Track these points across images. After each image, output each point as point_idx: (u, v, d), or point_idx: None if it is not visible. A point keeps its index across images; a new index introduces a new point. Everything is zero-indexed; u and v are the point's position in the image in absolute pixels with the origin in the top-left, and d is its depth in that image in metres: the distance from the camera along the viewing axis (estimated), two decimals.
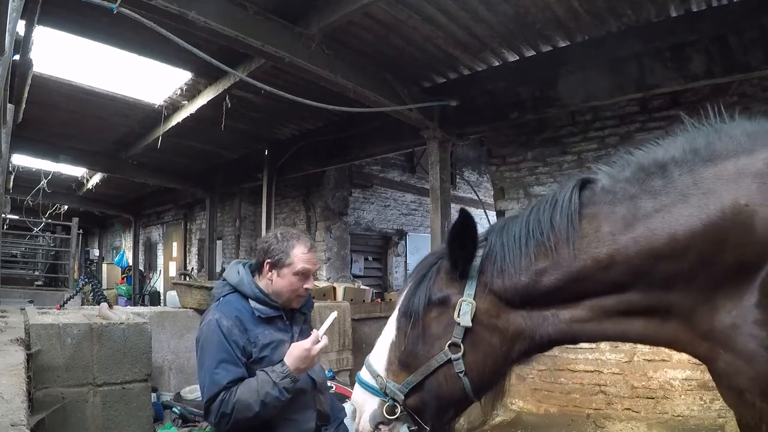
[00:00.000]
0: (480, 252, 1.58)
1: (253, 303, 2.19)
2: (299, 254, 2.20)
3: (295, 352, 2.07)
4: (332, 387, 2.57)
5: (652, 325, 1.47)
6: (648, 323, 1.47)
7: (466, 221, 1.53)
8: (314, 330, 2.18)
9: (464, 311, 1.52)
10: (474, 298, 1.53)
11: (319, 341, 2.10)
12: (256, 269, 2.29)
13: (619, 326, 1.49)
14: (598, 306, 1.49)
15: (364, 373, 1.69)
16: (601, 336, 1.54)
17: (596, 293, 1.48)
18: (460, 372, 1.52)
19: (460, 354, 1.52)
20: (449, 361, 1.53)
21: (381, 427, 1.63)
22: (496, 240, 1.58)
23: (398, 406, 1.59)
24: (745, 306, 1.36)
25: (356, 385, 1.72)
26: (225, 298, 2.22)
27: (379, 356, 1.67)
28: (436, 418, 1.62)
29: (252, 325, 2.14)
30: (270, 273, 2.20)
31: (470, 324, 1.51)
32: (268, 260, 2.19)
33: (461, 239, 1.54)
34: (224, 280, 2.30)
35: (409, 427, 1.61)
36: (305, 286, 2.24)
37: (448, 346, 1.53)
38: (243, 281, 2.22)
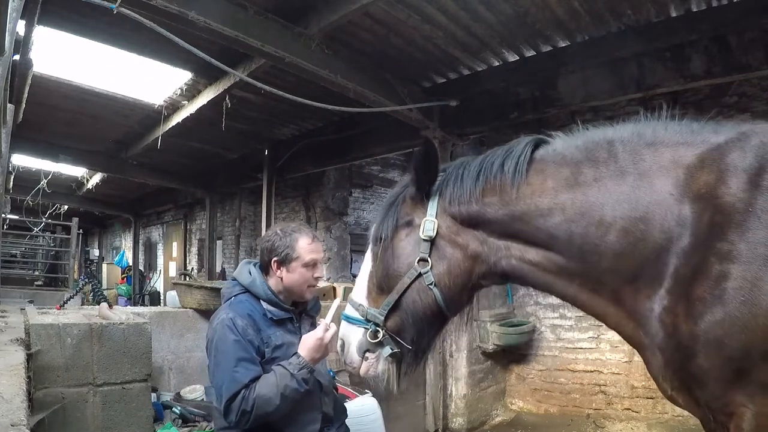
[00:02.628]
0: (440, 179, 1.77)
1: (264, 304, 2.19)
2: (305, 246, 2.19)
3: (308, 342, 2.07)
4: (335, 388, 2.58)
5: (586, 292, 1.60)
6: (582, 289, 1.60)
7: (429, 149, 1.74)
8: (321, 320, 2.19)
9: (428, 228, 1.70)
10: (436, 218, 1.71)
11: (328, 328, 2.10)
12: (263, 269, 2.28)
13: (560, 284, 1.63)
14: (543, 257, 1.63)
15: (347, 309, 1.81)
16: (547, 287, 1.67)
17: (538, 241, 1.62)
18: (431, 284, 1.67)
19: (428, 267, 1.68)
20: (419, 275, 1.68)
21: (368, 354, 1.75)
22: (453, 171, 1.77)
23: (380, 330, 1.71)
24: (660, 292, 1.44)
25: (342, 322, 1.83)
26: (236, 298, 2.21)
27: (360, 288, 1.81)
28: (417, 337, 1.73)
29: (264, 326, 2.15)
30: (279, 270, 2.19)
31: (430, 237, 1.68)
32: (275, 258, 2.18)
33: (425, 164, 1.73)
34: (234, 279, 2.29)
35: (391, 348, 1.72)
36: (316, 275, 2.25)
37: (418, 262, 1.69)
38: (255, 282, 2.21)
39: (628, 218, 1.47)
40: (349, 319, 1.80)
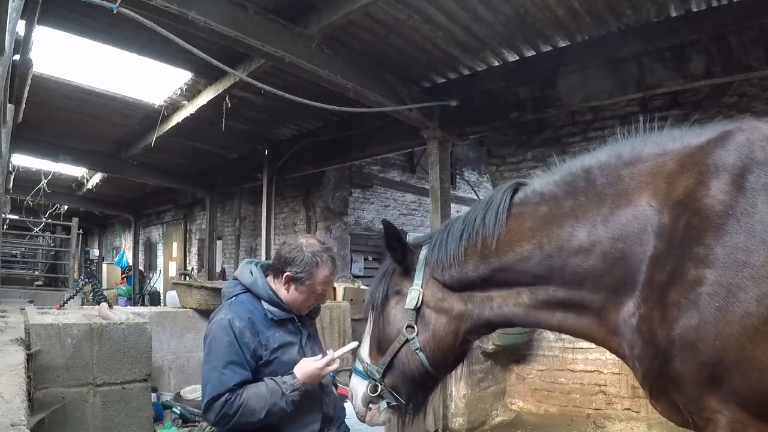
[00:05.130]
0: (426, 247, 1.86)
1: (266, 305, 2.19)
2: (322, 277, 2.20)
3: (306, 368, 2.09)
4: (335, 388, 2.58)
5: (571, 317, 1.61)
6: (566, 315, 1.62)
7: (387, 231, 1.83)
8: (330, 350, 2.23)
9: (413, 297, 1.80)
10: (422, 287, 1.81)
11: (331, 363, 2.14)
12: (270, 270, 2.28)
13: (544, 315, 1.66)
14: (526, 295, 1.67)
15: (356, 362, 2.00)
16: (531, 323, 1.71)
17: (520, 283, 1.66)
18: (416, 349, 1.79)
19: (414, 334, 1.79)
20: (407, 340, 1.80)
21: (371, 405, 1.92)
22: (438, 237, 1.84)
23: (379, 384, 1.87)
24: (638, 302, 1.42)
25: (351, 374, 1.99)
26: (237, 298, 2.21)
27: (365, 346, 1.97)
28: (410, 393, 1.88)
29: (264, 328, 2.15)
30: (287, 285, 2.20)
31: (414, 307, 1.79)
32: (288, 273, 2.17)
33: (391, 245, 1.84)
34: (236, 279, 2.29)
35: (388, 403, 1.88)
36: (319, 301, 2.30)
37: (405, 328, 1.81)
38: (257, 283, 2.21)
39: (606, 240, 1.47)
40: (356, 372, 1.97)
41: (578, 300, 1.56)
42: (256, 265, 2.30)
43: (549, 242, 1.57)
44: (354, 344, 2.32)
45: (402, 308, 1.83)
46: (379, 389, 1.86)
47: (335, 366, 2.15)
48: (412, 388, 1.86)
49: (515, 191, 1.72)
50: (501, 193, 1.73)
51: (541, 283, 1.62)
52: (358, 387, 1.94)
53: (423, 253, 1.86)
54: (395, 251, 1.85)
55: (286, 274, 2.17)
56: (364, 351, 1.95)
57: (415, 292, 1.80)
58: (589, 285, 1.52)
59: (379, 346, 1.89)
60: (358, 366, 1.95)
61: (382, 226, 1.85)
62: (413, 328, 1.79)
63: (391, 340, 1.84)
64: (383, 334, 1.87)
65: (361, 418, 1.95)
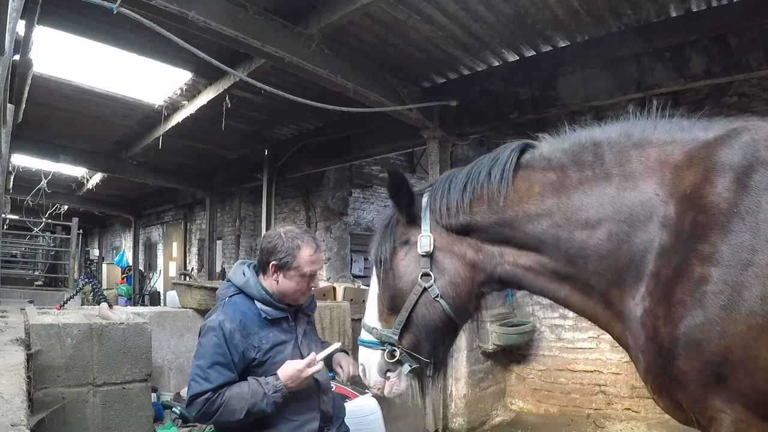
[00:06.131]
0: (427, 194, 1.80)
1: (259, 304, 2.20)
2: (306, 257, 2.18)
3: (287, 370, 2.08)
4: (332, 387, 2.58)
5: (577, 294, 1.61)
6: (573, 291, 1.61)
7: (395, 177, 1.76)
8: (314, 353, 2.20)
9: (424, 243, 1.72)
10: (430, 232, 1.73)
11: (314, 365, 2.11)
12: (260, 268, 2.28)
13: (553, 286, 1.64)
14: (535, 261, 1.64)
15: (362, 334, 1.85)
16: (540, 290, 1.68)
17: (529, 246, 1.63)
18: (436, 296, 1.70)
19: (432, 281, 1.70)
20: (425, 289, 1.70)
21: (389, 374, 1.79)
22: (440, 185, 1.79)
23: (396, 348, 1.74)
24: (642, 294, 1.42)
25: (360, 348, 1.85)
26: (230, 300, 2.21)
27: (371, 311, 1.84)
28: (432, 349, 1.77)
29: (257, 328, 2.15)
30: (276, 274, 2.19)
31: (428, 252, 1.71)
32: (274, 262, 2.18)
33: (397, 192, 1.77)
34: (229, 281, 2.30)
35: (410, 365, 1.75)
36: (312, 284, 2.27)
37: (421, 277, 1.71)
38: (249, 283, 2.22)
39: (613, 221, 1.47)
40: (365, 343, 1.83)
41: (584, 278, 1.55)
42: (249, 266, 2.31)
43: (558, 210, 1.56)
44: (338, 345, 2.30)
45: (413, 257, 1.74)
46: (398, 353, 1.74)
47: (318, 367, 2.12)
48: (434, 343, 1.76)
49: (522, 152, 1.70)
50: (508, 152, 1.70)
51: (548, 251, 1.60)
52: (371, 358, 1.81)
53: (425, 199, 1.80)
54: (401, 198, 1.77)
55: (271, 263, 2.17)
56: (371, 318, 1.83)
57: (425, 238, 1.72)
58: (593, 263, 1.52)
59: (391, 305, 1.77)
60: (366, 337, 1.82)
61: (389, 175, 1.76)
62: (429, 275, 1.70)
63: (405, 294, 1.73)
64: (396, 291, 1.76)
65: (379, 391, 1.83)
